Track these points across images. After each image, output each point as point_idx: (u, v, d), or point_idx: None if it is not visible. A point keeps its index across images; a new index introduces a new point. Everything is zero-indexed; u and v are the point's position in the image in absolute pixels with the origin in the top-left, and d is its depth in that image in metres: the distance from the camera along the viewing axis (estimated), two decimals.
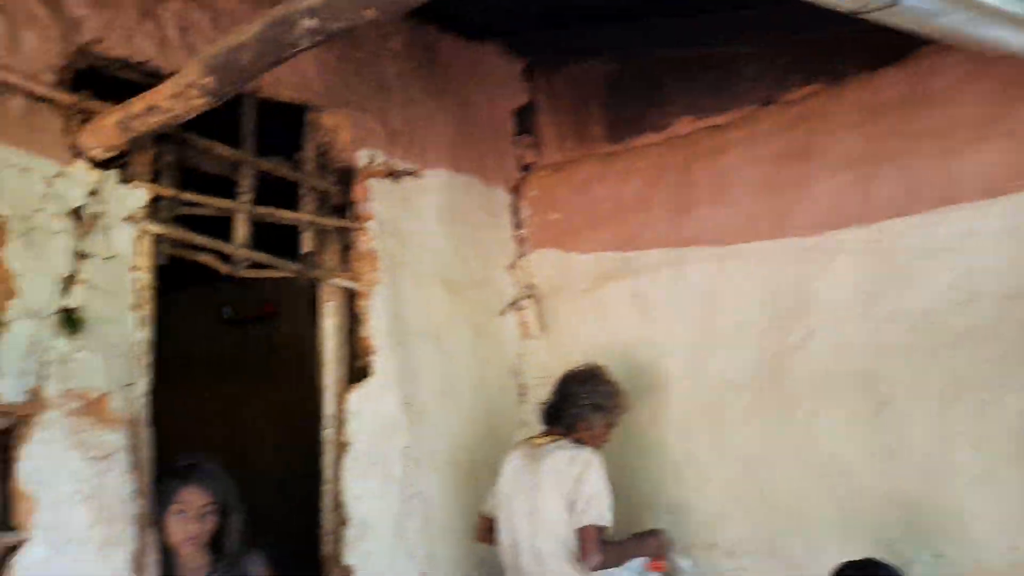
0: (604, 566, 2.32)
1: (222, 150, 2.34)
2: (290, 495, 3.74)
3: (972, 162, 2.33)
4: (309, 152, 2.63)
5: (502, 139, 3.28)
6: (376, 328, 2.70)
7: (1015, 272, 2.24)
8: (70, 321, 1.93)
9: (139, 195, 2.11)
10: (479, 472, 2.94)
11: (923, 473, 2.35)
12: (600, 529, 2.31)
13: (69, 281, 1.95)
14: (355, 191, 2.72)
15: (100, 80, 2.11)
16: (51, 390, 1.88)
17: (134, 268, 2.10)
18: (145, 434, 2.07)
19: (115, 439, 1.98)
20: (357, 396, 2.63)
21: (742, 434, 2.67)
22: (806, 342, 2.59)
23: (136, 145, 2.05)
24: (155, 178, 2.18)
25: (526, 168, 3.31)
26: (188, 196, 2.25)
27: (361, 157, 2.73)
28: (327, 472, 2.59)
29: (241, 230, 2.38)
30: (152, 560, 2.03)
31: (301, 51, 1.66)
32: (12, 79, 1.89)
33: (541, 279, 3.19)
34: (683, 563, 2.49)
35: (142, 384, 2.08)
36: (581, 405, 2.43)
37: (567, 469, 2.34)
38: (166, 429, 2.17)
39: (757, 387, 2.66)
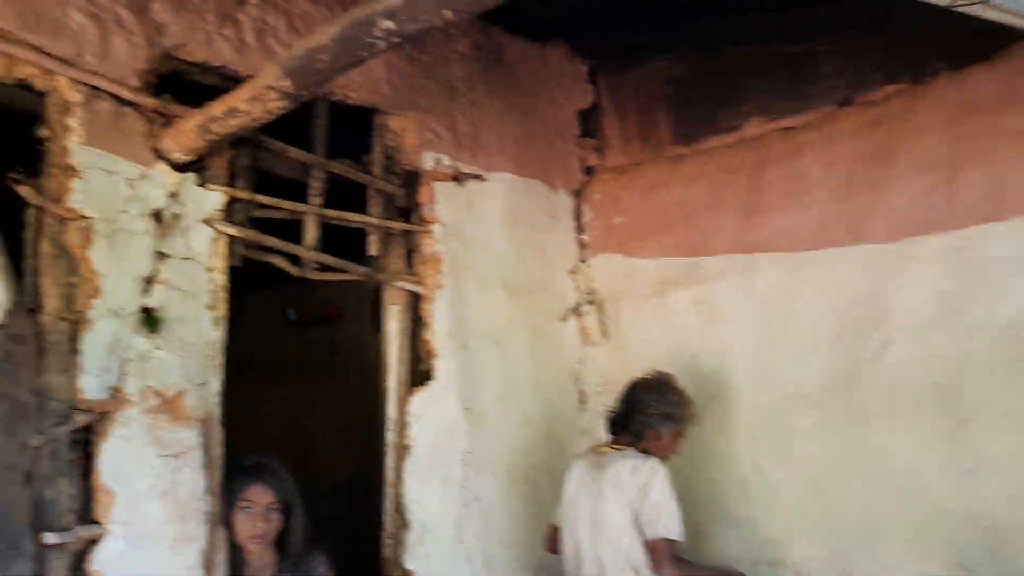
0: None
1: (295, 153, 2.37)
2: (350, 496, 3.78)
3: None
4: (377, 155, 2.65)
5: (566, 142, 3.25)
6: (439, 331, 2.70)
7: None
8: (150, 320, 1.98)
9: (216, 197, 2.16)
10: (538, 479, 2.92)
11: (1006, 493, 2.23)
12: (671, 542, 2.25)
13: (149, 281, 2.00)
14: (420, 194, 2.73)
15: (180, 84, 2.16)
16: (130, 387, 1.93)
17: (210, 269, 2.14)
18: (217, 433, 2.11)
19: (189, 437, 2.02)
20: (419, 399, 2.63)
21: (812, 448, 2.58)
22: (882, 354, 2.49)
23: (214, 148, 2.09)
24: (231, 181, 2.22)
25: (589, 171, 3.27)
26: (261, 199, 2.28)
27: (427, 160, 2.74)
28: (389, 475, 2.59)
29: (311, 233, 2.41)
30: (221, 557, 2.06)
31: (378, 53, 1.66)
32: (102, 84, 1.95)
33: (603, 284, 3.15)
34: None
35: (215, 383, 2.12)
36: (649, 414, 2.37)
37: (630, 479, 2.29)
38: (231, 428, 2.20)
39: (828, 399, 2.57)
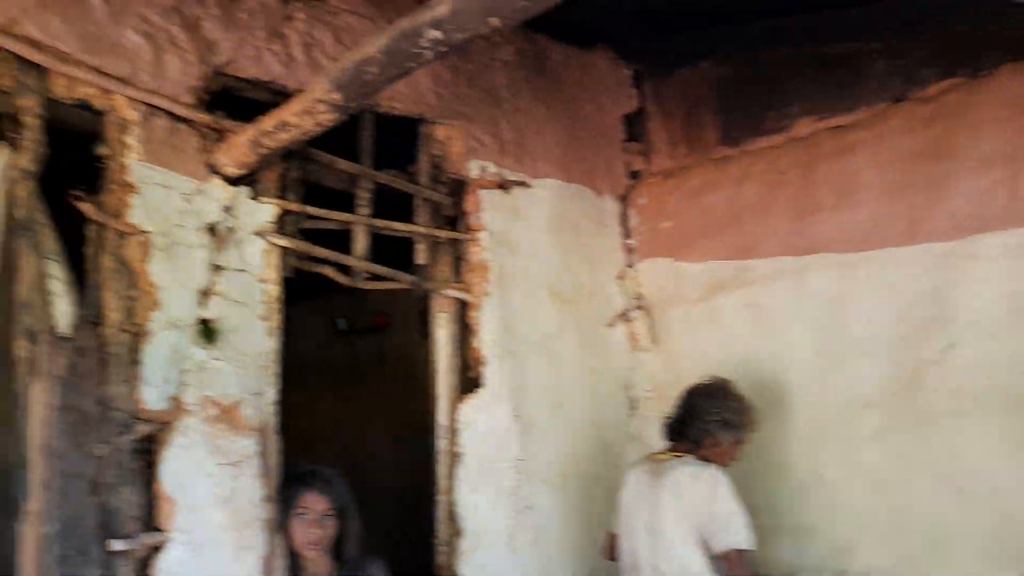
0: None
1: (343, 165, 2.40)
2: (401, 502, 3.80)
3: None
4: (423, 164, 2.67)
5: (611, 147, 3.23)
6: (487, 339, 2.70)
7: None
8: (207, 331, 2.02)
9: (268, 210, 2.19)
10: (590, 486, 2.89)
11: None
12: (745, 552, 2.19)
13: (205, 293, 2.04)
14: (467, 202, 2.74)
15: (231, 101, 2.21)
16: (189, 397, 1.97)
17: (263, 280, 2.18)
18: (273, 441, 2.14)
19: (247, 445, 2.05)
20: (469, 407, 2.63)
21: (874, 453, 2.51)
22: (946, 355, 2.41)
23: (265, 162, 2.13)
24: (281, 194, 2.26)
25: (635, 175, 3.25)
26: (312, 210, 2.31)
27: (472, 168, 2.75)
28: (441, 482, 2.60)
29: (360, 242, 2.44)
30: (280, 564, 2.09)
31: (425, 63, 1.67)
32: (157, 101, 2.00)
33: (651, 289, 3.12)
34: None
35: (271, 392, 2.15)
36: (708, 421, 2.32)
37: (690, 487, 2.25)
38: (285, 437, 2.23)
39: (890, 403, 2.49)
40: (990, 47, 2.40)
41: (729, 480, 2.26)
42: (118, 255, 1.94)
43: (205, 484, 1.95)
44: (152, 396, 1.91)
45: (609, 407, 3.04)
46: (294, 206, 2.27)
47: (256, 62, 2.22)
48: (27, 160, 1.84)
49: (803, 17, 2.65)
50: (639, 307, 3.11)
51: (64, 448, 1.75)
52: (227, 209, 2.12)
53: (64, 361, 1.77)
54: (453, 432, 2.61)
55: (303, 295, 3.41)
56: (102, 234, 1.94)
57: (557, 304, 2.93)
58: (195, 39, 2.10)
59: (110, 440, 1.82)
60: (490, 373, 2.68)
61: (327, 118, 1.86)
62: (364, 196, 2.46)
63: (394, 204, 2.57)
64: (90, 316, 1.87)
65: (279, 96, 2.25)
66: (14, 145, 1.84)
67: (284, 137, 1.96)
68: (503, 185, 2.83)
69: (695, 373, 2.87)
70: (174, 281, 1.98)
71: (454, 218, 2.75)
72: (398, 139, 2.62)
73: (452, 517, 2.56)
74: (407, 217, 2.60)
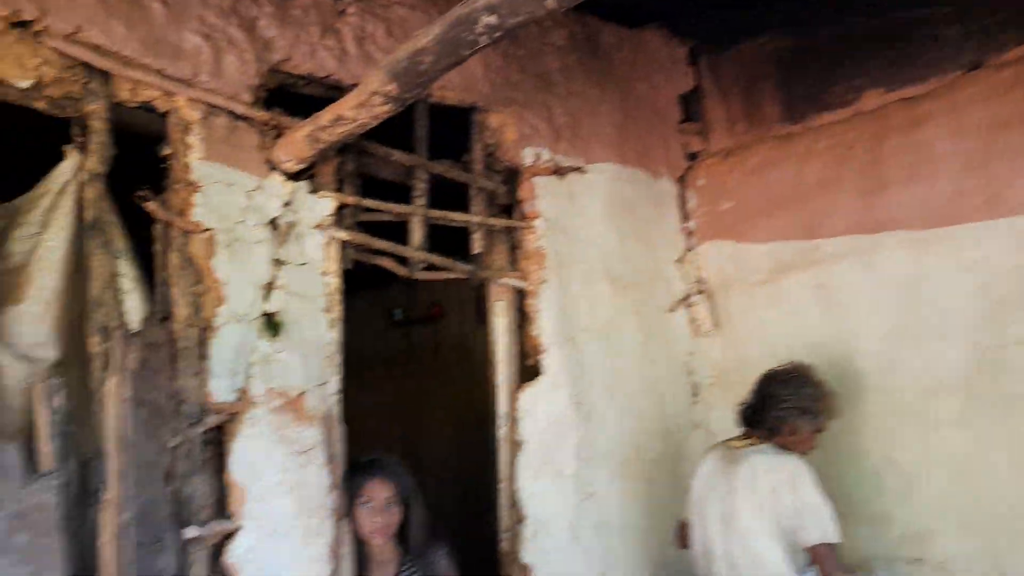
0: None
1: (398, 156, 2.41)
2: (458, 490, 3.84)
3: None
4: (477, 153, 2.66)
5: (667, 128, 3.17)
6: (544, 327, 2.68)
7: None
8: (271, 324, 2.06)
9: (326, 204, 2.22)
10: (652, 473, 2.86)
11: None
12: (834, 547, 2.12)
13: (268, 287, 2.08)
14: (521, 190, 2.72)
15: (286, 97, 2.24)
16: (256, 389, 2.01)
17: (324, 273, 2.21)
18: (337, 430, 2.17)
19: (312, 435, 2.08)
20: (528, 395, 2.62)
21: (953, 438, 2.41)
22: None
23: (322, 156, 2.15)
24: (338, 187, 2.28)
25: (693, 156, 3.17)
26: (368, 203, 2.33)
27: (526, 155, 2.72)
28: (502, 470, 2.60)
29: (417, 233, 2.45)
30: (347, 551, 2.12)
31: (479, 50, 1.65)
32: (217, 100, 2.04)
33: (712, 272, 3.05)
34: None
35: (334, 383, 2.19)
36: (785, 408, 2.24)
37: (767, 477, 2.18)
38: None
39: (971, 385, 2.39)
40: None
41: (811, 470, 2.18)
42: (184, 252, 1.99)
43: (273, 473, 2.00)
44: (220, 388, 1.95)
45: (670, 394, 2.99)
46: (351, 199, 2.29)
47: (310, 58, 2.25)
48: (95, 162, 1.89)
49: None
50: (700, 291, 3.05)
51: (138, 439, 1.81)
52: (287, 204, 2.15)
53: (136, 356, 1.83)
54: (513, 420, 2.61)
55: (359, 287, 3.46)
56: (168, 232, 2.00)
57: (615, 290, 2.89)
58: (252, 38, 2.13)
59: (182, 431, 1.88)
60: (549, 361, 2.67)
61: (383, 110, 1.87)
62: (420, 187, 2.47)
63: (448, 194, 2.58)
64: (159, 312, 1.93)
65: (333, 91, 2.27)
66: (82, 149, 1.90)
67: (341, 131, 1.97)
68: (558, 171, 2.80)
69: (759, 358, 2.81)
70: (238, 276, 2.03)
71: (509, 206, 2.74)
72: (451, 129, 2.61)
73: (514, 504, 2.56)
74: (462, 207, 2.60)
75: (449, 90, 2.55)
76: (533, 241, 2.71)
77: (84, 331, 1.87)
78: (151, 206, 1.97)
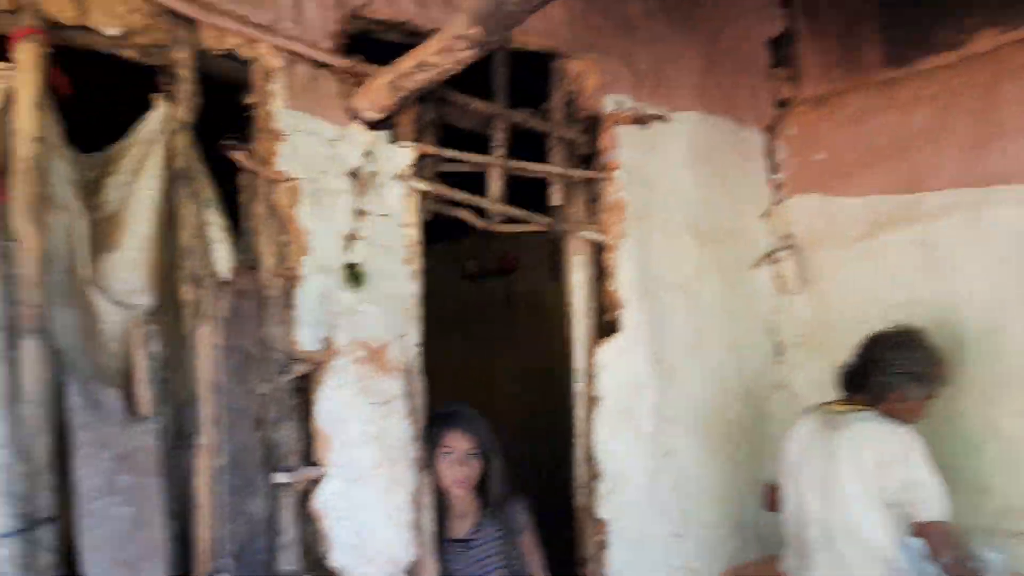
0: (951, 572, 1.99)
1: (478, 105, 2.35)
2: (528, 443, 3.85)
3: None
4: (556, 101, 2.58)
5: (756, 74, 3.01)
6: (624, 281, 2.62)
7: None
8: (353, 275, 2.05)
9: (406, 154, 2.19)
10: (732, 434, 2.80)
11: None
12: (947, 525, 2.02)
13: (350, 238, 2.08)
14: (602, 140, 2.63)
15: (365, 44, 2.19)
16: (340, 339, 2.02)
17: (404, 224, 2.19)
18: (418, 382, 2.18)
19: (394, 386, 2.09)
20: (606, 351, 2.58)
21: None
22: None
23: (403, 104, 2.11)
24: (418, 137, 2.24)
25: (783, 104, 3.00)
26: (448, 153, 2.29)
27: (608, 103, 2.63)
28: (579, 426, 2.58)
29: (495, 184, 2.40)
30: (428, 501, 2.15)
31: None
32: (299, 48, 2.01)
33: (801, 227, 2.91)
34: (991, 555, 2.12)
35: (414, 335, 2.18)
36: (893, 373, 2.11)
37: (874, 447, 2.07)
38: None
39: None
40: None
41: (922, 442, 2.06)
42: (269, 202, 1.99)
43: (357, 422, 2.02)
44: (306, 337, 1.97)
45: (752, 353, 2.90)
46: (431, 149, 2.25)
47: (390, 3, 2.19)
48: (183, 111, 1.90)
49: None
50: (787, 247, 2.92)
51: (230, 386, 1.84)
52: (367, 154, 2.13)
53: (226, 304, 1.85)
54: (590, 376, 2.58)
55: (432, 239, 3.45)
56: (254, 182, 2.00)
57: (698, 244, 2.79)
58: None
59: (270, 379, 1.91)
60: (628, 316, 2.61)
61: (466, 55, 1.81)
62: (499, 137, 2.41)
63: (524, 145, 2.51)
64: (248, 261, 1.95)
65: (413, 37, 2.22)
66: (170, 98, 1.91)
67: (423, 77, 1.93)
68: (640, 120, 2.69)
69: (850, 318, 2.69)
70: (321, 226, 2.02)
71: (588, 156, 2.66)
72: (530, 77, 2.53)
73: (590, 460, 2.54)
74: (537, 158, 2.53)
75: (530, 35, 2.46)
76: (613, 192, 2.63)
77: (175, 279, 1.91)
78: (237, 155, 1.97)
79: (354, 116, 2.11)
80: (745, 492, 2.76)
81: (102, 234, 1.86)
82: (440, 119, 2.32)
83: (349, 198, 2.08)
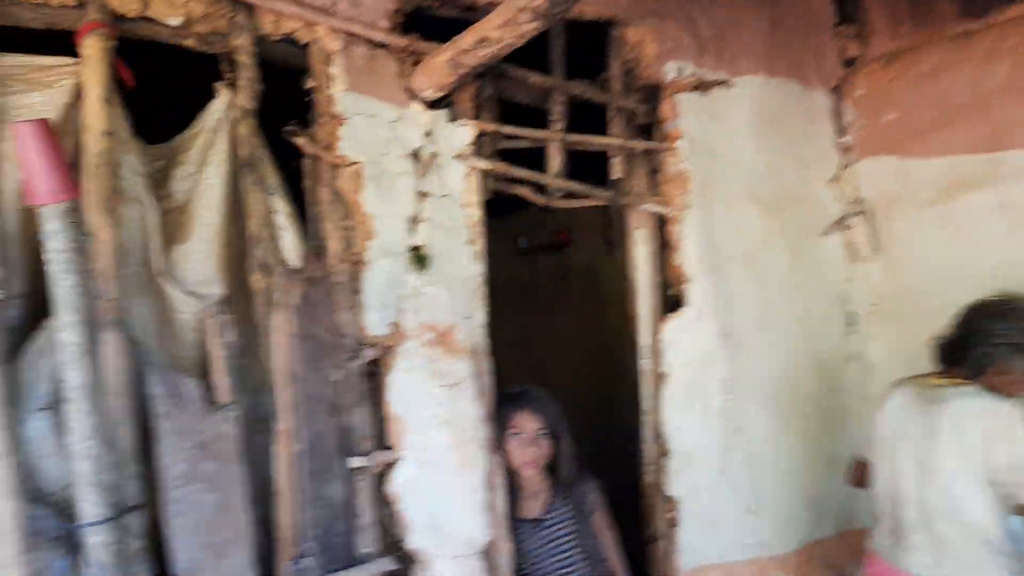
0: None
1: (536, 79, 2.29)
2: (585, 421, 3.82)
3: None
4: (615, 71, 2.50)
5: (821, 32, 2.87)
6: (688, 255, 2.55)
7: None
8: (418, 258, 2.04)
9: (466, 132, 2.15)
10: (805, 408, 2.72)
11: None
12: None
13: (414, 220, 2.06)
14: (662, 109, 2.55)
15: (420, 23, 2.15)
16: (408, 323, 2.01)
17: (466, 204, 2.16)
18: (485, 363, 2.16)
19: (462, 367, 2.08)
20: (672, 326, 2.52)
21: None
22: None
23: (462, 82, 2.06)
24: (476, 114, 2.20)
25: (850, 64, 2.87)
26: (508, 129, 2.24)
27: (668, 71, 2.54)
28: (646, 403, 2.54)
29: (555, 159, 2.35)
30: (500, 482, 2.14)
31: None
32: (356, 29, 1.98)
33: (873, 192, 2.78)
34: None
35: (480, 316, 2.16)
36: (995, 344, 1.98)
37: (978, 422, 1.96)
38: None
39: None
40: None
41: None
42: (333, 187, 1.98)
43: (428, 405, 2.02)
44: (374, 322, 1.97)
45: (823, 324, 2.80)
46: (490, 126, 2.21)
47: None
48: (245, 98, 1.90)
49: None
50: (858, 212, 2.80)
51: (304, 373, 1.85)
52: (428, 134, 2.10)
53: (298, 292, 1.86)
54: (656, 352, 2.53)
55: (486, 215, 3.42)
56: (317, 167, 1.99)
57: (764, 213, 2.70)
58: None
59: (343, 364, 1.91)
60: (693, 291, 2.54)
61: (530, 27, 1.75)
62: (558, 110, 2.35)
63: (581, 117, 2.44)
64: (316, 247, 1.95)
65: (468, 12, 2.17)
66: (232, 86, 1.90)
67: (484, 53, 1.88)
68: (701, 86, 2.60)
69: (926, 285, 2.58)
70: (385, 210, 2.01)
71: (648, 127, 2.58)
72: (585, 48, 2.46)
73: (659, 437, 2.50)
74: (595, 131, 2.46)
75: (587, 4, 2.39)
76: (675, 163, 2.55)
77: (245, 268, 1.92)
78: (300, 141, 1.96)
79: (413, 96, 2.08)
80: (819, 466, 2.69)
81: (172, 225, 1.87)
82: (498, 95, 2.27)
83: (411, 180, 2.06)
